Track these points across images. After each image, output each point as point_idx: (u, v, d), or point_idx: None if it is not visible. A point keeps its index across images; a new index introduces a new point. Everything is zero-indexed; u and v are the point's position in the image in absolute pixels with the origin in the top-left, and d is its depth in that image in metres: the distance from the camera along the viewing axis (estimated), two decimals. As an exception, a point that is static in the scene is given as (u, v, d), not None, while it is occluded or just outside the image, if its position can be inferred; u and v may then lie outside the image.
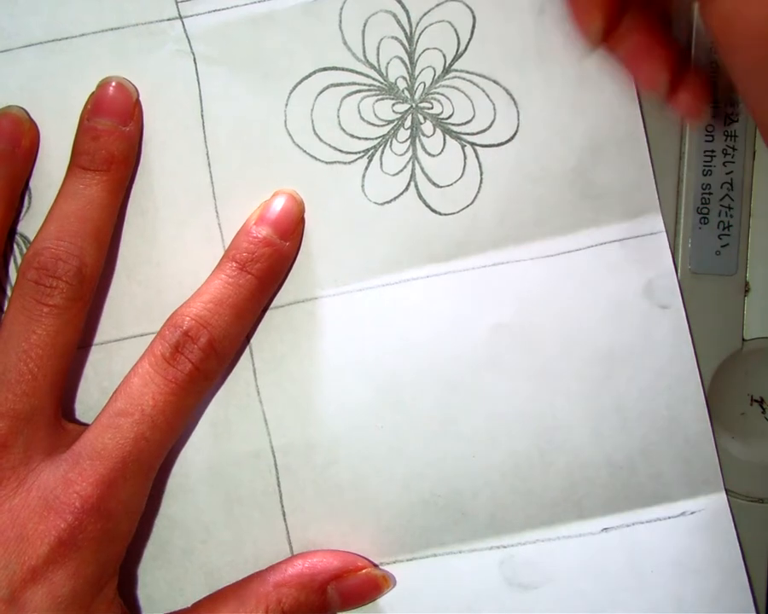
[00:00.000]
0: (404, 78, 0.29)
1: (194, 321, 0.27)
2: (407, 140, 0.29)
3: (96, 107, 0.28)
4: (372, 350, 0.30)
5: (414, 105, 0.29)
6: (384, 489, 0.30)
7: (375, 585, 0.30)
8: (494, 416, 0.30)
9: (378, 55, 0.29)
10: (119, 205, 0.29)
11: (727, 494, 0.30)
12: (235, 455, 0.30)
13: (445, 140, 0.29)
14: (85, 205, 0.28)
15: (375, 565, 0.30)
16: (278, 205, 0.29)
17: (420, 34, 0.29)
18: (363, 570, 0.30)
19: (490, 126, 0.29)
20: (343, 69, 0.29)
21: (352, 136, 0.29)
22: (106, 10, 0.29)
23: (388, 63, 0.29)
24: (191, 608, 0.29)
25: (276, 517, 0.30)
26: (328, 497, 0.30)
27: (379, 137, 0.29)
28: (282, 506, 0.30)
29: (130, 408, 0.27)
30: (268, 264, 0.28)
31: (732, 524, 0.30)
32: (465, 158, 0.29)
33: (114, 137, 0.28)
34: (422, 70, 0.29)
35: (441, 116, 0.29)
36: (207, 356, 0.27)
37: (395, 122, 0.29)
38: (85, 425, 0.28)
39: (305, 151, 0.29)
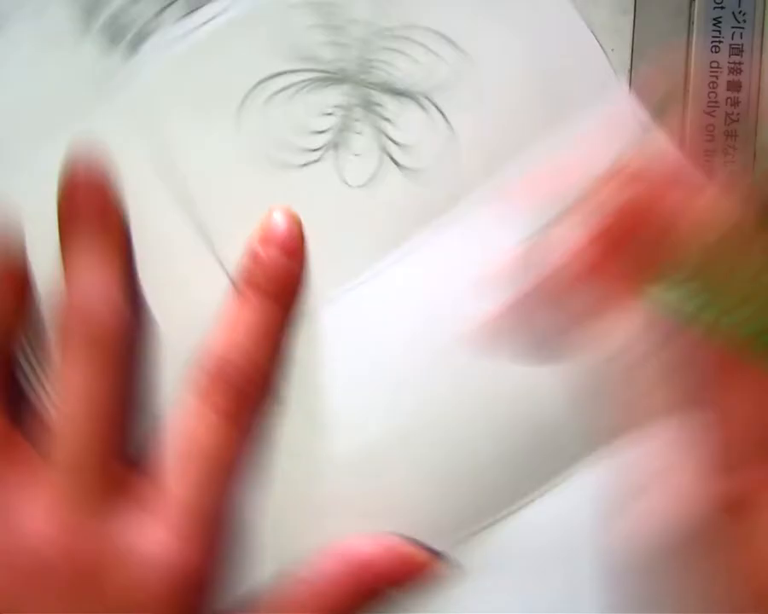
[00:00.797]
0: (341, 59, 0.29)
1: (237, 352, 0.28)
2: (364, 116, 0.29)
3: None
4: (378, 341, 0.30)
5: (357, 80, 0.29)
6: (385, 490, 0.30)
7: (420, 567, 0.29)
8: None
9: (308, 46, 0.29)
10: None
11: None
12: None
13: (401, 102, 0.29)
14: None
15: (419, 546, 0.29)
16: (279, 224, 0.29)
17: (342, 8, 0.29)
18: (407, 551, 0.29)
19: (439, 75, 0.29)
20: (282, 73, 0.29)
21: (312, 132, 0.29)
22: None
23: (320, 51, 0.29)
24: None
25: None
26: (318, 500, 0.30)
27: (337, 124, 0.29)
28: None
29: (194, 449, 0.27)
30: (283, 286, 0.29)
31: None
32: (425, 111, 0.29)
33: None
34: (354, 42, 0.29)
35: (388, 81, 0.29)
36: (254, 384, 0.28)
37: (347, 104, 0.29)
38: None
39: (274, 163, 0.29)
